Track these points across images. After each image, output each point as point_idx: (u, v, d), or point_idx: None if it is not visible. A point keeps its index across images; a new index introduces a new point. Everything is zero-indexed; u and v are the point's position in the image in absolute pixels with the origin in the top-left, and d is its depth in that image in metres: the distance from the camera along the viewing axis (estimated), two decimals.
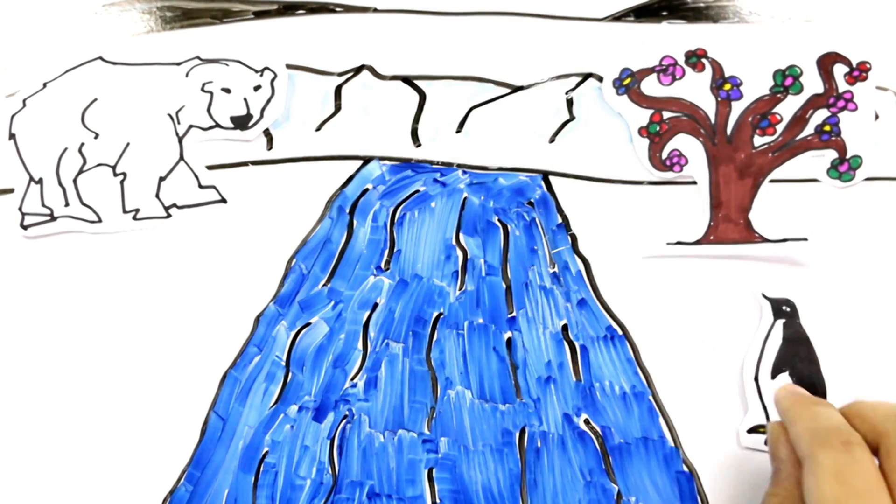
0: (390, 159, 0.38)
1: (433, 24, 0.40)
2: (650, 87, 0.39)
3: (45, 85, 0.38)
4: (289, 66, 0.38)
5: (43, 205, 0.37)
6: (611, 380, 0.36)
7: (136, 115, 0.38)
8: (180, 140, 0.38)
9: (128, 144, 0.37)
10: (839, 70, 0.39)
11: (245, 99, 0.38)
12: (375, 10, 0.40)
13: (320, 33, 0.39)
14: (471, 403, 0.36)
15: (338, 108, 0.38)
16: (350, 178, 0.38)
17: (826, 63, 0.39)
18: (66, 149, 0.37)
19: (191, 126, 0.38)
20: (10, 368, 0.36)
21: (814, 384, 0.36)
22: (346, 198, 0.38)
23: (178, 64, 0.38)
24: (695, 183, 0.38)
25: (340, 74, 0.38)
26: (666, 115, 0.39)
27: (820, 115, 0.39)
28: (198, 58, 0.38)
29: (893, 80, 0.39)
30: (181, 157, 0.38)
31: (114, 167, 0.37)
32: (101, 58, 0.38)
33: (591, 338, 0.37)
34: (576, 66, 0.39)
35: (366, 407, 0.36)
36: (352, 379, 0.36)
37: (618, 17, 0.40)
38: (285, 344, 0.36)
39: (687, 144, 0.38)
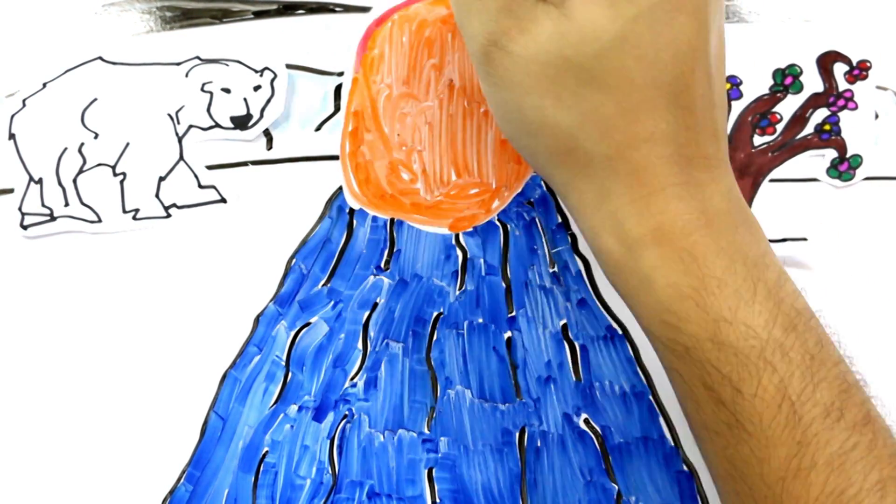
0: None
1: None
2: None
3: (45, 85, 0.38)
4: (289, 66, 0.38)
5: (43, 205, 0.37)
6: (611, 379, 0.36)
7: (136, 115, 0.38)
8: (180, 140, 0.38)
9: (128, 144, 0.37)
10: (839, 69, 0.39)
11: (245, 99, 0.38)
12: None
13: (320, 33, 0.39)
14: (471, 403, 0.36)
15: (337, 108, 0.38)
16: None
17: (826, 62, 0.39)
18: (65, 149, 0.37)
19: (191, 126, 0.38)
20: (10, 368, 0.36)
21: None
22: (345, 198, 0.38)
23: (178, 64, 0.38)
24: None
25: (340, 74, 0.38)
26: None
27: (820, 115, 0.39)
28: (198, 58, 0.38)
29: (893, 80, 0.39)
30: (181, 157, 0.38)
31: (114, 167, 0.37)
32: (100, 58, 0.38)
33: (591, 337, 0.37)
34: None
35: (366, 407, 0.36)
36: (352, 379, 0.36)
37: None
38: (285, 344, 0.36)
39: None
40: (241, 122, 0.38)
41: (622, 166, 0.26)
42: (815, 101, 0.39)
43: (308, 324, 0.37)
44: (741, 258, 0.25)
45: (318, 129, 0.38)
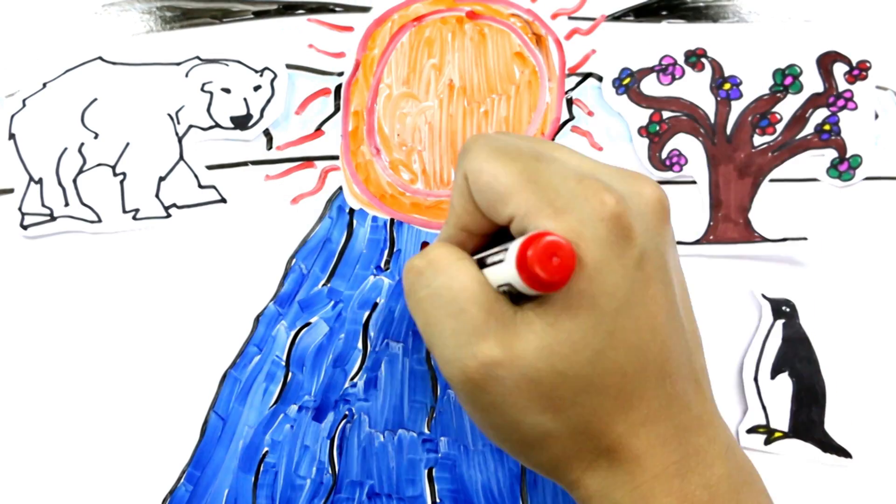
0: None
1: None
2: (650, 86, 0.39)
3: (45, 85, 0.38)
4: (289, 66, 0.38)
5: (43, 205, 0.37)
6: None
7: (136, 115, 0.38)
8: (180, 140, 0.38)
9: (128, 144, 0.37)
10: (839, 69, 0.39)
11: (245, 99, 0.38)
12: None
13: (320, 33, 0.39)
14: None
15: (337, 107, 0.38)
16: None
17: (826, 62, 0.39)
18: (65, 149, 0.37)
19: (191, 126, 0.38)
20: (10, 368, 0.36)
21: (813, 384, 0.36)
22: (345, 198, 0.38)
23: (178, 64, 0.38)
24: (694, 182, 0.38)
25: (340, 74, 0.38)
26: (665, 114, 0.39)
27: (820, 115, 0.39)
28: (198, 58, 0.38)
29: (893, 80, 0.39)
30: (181, 157, 0.38)
31: (114, 167, 0.37)
32: (100, 58, 0.38)
33: None
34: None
35: (366, 407, 0.36)
36: (352, 379, 0.36)
37: (617, 17, 0.40)
38: (285, 344, 0.36)
39: (686, 144, 0.39)
40: (241, 122, 0.38)
41: (624, 455, 0.25)
42: (815, 102, 0.39)
43: (308, 324, 0.37)
44: None
45: (318, 129, 0.38)
